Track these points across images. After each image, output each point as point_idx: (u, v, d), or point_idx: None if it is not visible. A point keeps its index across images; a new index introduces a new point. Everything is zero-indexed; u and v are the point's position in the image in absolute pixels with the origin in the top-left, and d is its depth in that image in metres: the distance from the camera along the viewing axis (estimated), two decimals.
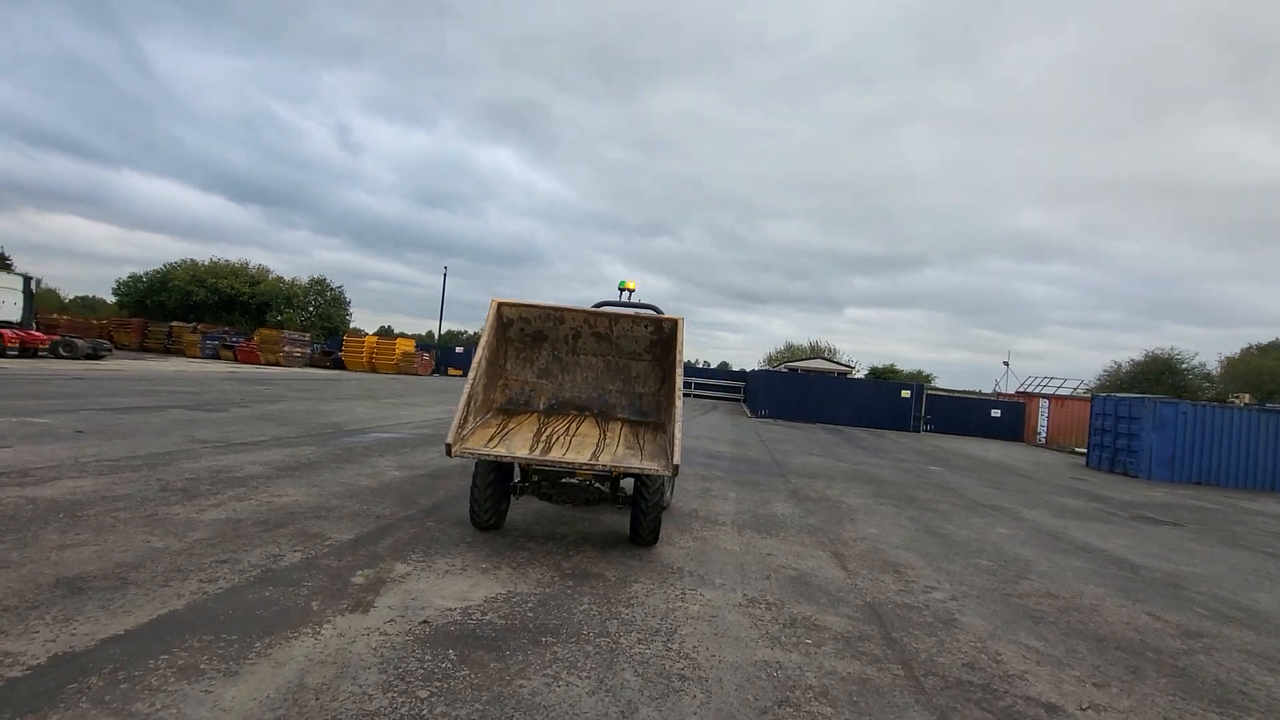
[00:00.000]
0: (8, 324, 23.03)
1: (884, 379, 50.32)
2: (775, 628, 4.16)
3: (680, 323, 6.02)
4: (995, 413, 31.12)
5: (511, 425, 5.77)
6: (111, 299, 44.49)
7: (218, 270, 42.01)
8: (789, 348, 59.83)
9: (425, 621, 3.71)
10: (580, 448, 5.38)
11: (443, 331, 59.32)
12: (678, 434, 5.12)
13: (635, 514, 5.58)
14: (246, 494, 6.22)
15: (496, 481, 5.61)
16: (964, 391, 49.72)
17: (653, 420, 6.32)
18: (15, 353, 22.23)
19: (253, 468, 7.48)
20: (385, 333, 49.93)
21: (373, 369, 38.09)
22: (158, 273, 41.81)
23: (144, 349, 37.61)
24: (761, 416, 29.38)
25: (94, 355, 25.28)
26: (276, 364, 34.53)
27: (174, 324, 38.17)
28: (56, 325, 33.67)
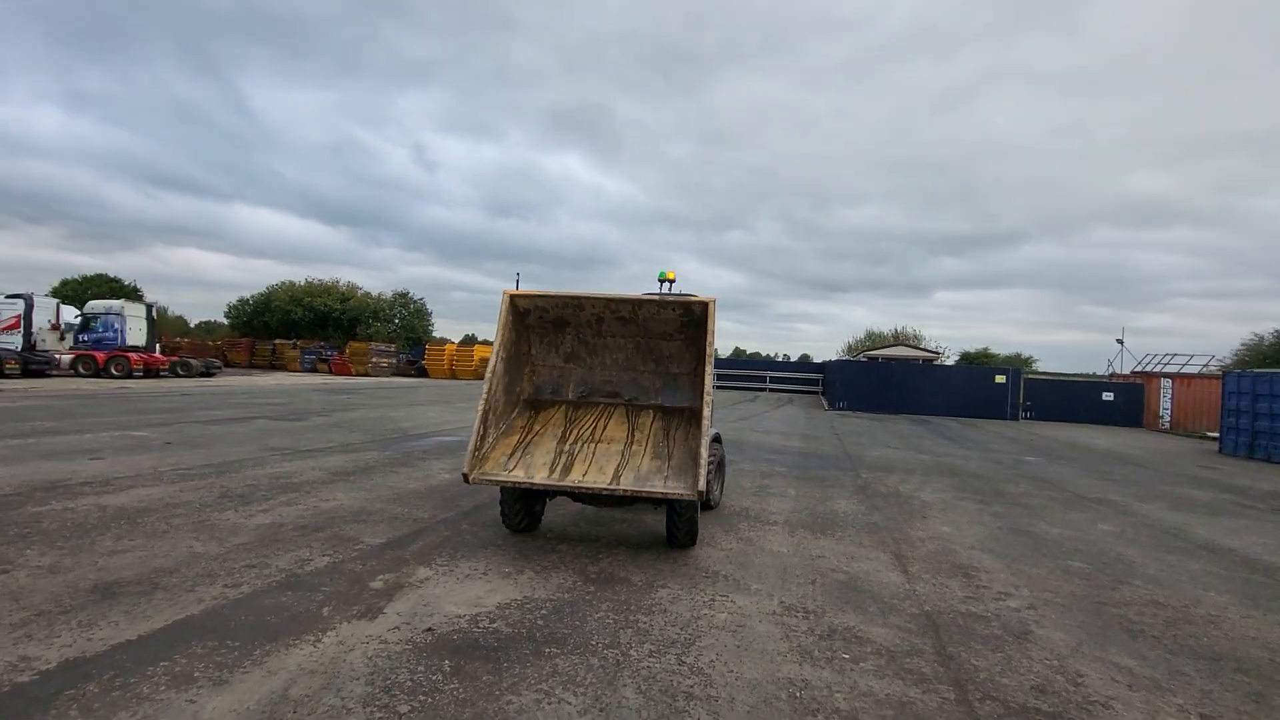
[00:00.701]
0: (135, 348, 25.60)
1: (977, 364, 47.02)
2: (810, 640, 3.74)
3: (711, 305, 5.46)
4: (1107, 396, 28.24)
5: (536, 428, 5.59)
6: (225, 321, 48.90)
7: (312, 290, 45.24)
8: (869, 336, 57.05)
9: (430, 629, 3.58)
10: (603, 460, 5.11)
11: None
12: (704, 452, 4.72)
13: (670, 515, 5.28)
14: (297, 499, 6.42)
15: (524, 490, 5.46)
16: (1072, 375, 45.67)
17: (688, 407, 5.94)
18: (140, 373, 24.68)
19: (312, 473, 7.76)
20: (468, 340, 51.84)
21: (453, 375, 39.63)
22: (261, 295, 45.60)
23: (252, 365, 40.92)
24: (839, 409, 28.10)
25: (206, 373, 27.71)
26: (365, 374, 36.60)
27: (277, 341, 41.35)
28: (179, 348, 37.22)
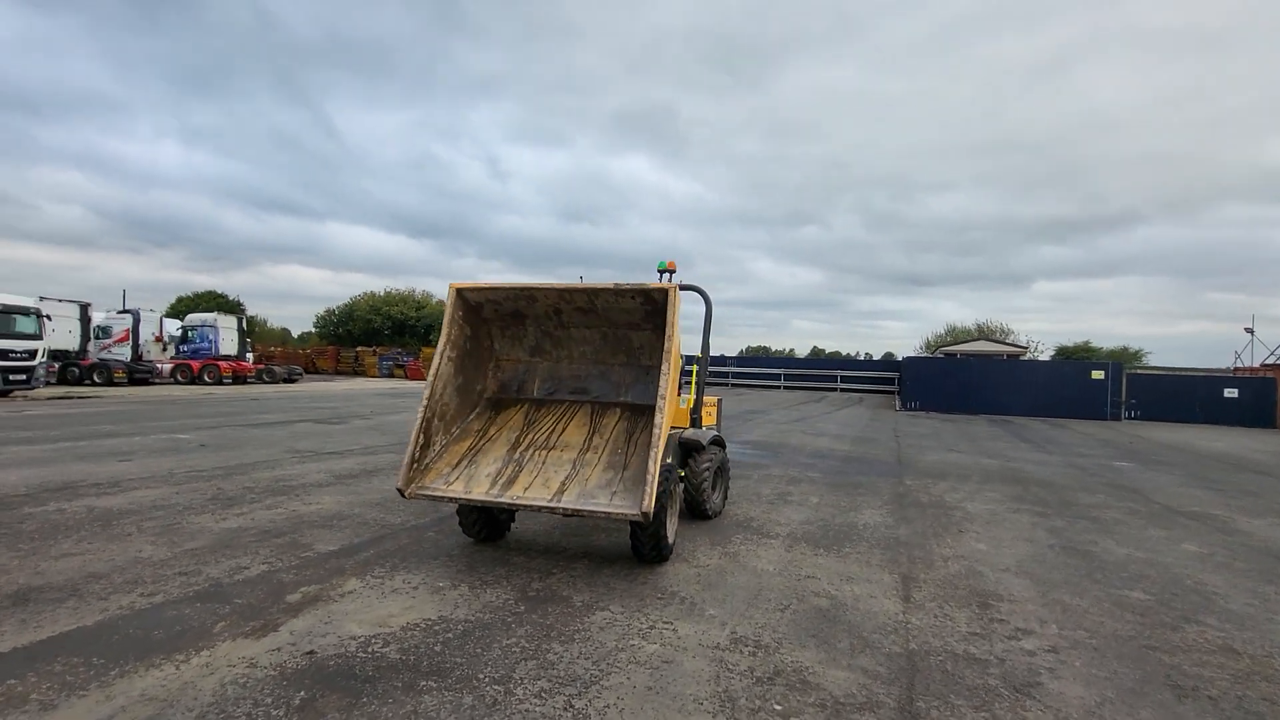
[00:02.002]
0: (226, 357, 27.59)
1: (1074, 359, 42.82)
2: (743, 684, 3.13)
3: (673, 292, 4.82)
4: (1230, 393, 24.79)
5: (491, 432, 5.19)
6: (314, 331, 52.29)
7: (390, 299, 47.55)
8: (950, 331, 53.24)
9: (312, 652, 3.26)
10: (552, 471, 4.64)
11: None
12: (654, 467, 4.13)
13: (632, 529, 4.76)
14: (281, 502, 6.36)
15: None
16: (1189, 369, 40.74)
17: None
18: (229, 380, 26.56)
19: (315, 476, 7.77)
20: None
21: None
22: (345, 306, 48.38)
23: (337, 372, 43.40)
24: (911, 409, 26.25)
25: (288, 379, 29.50)
26: None
27: (359, 349, 43.65)
28: (271, 356, 39.98)
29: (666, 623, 3.82)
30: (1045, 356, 45.99)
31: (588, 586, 4.37)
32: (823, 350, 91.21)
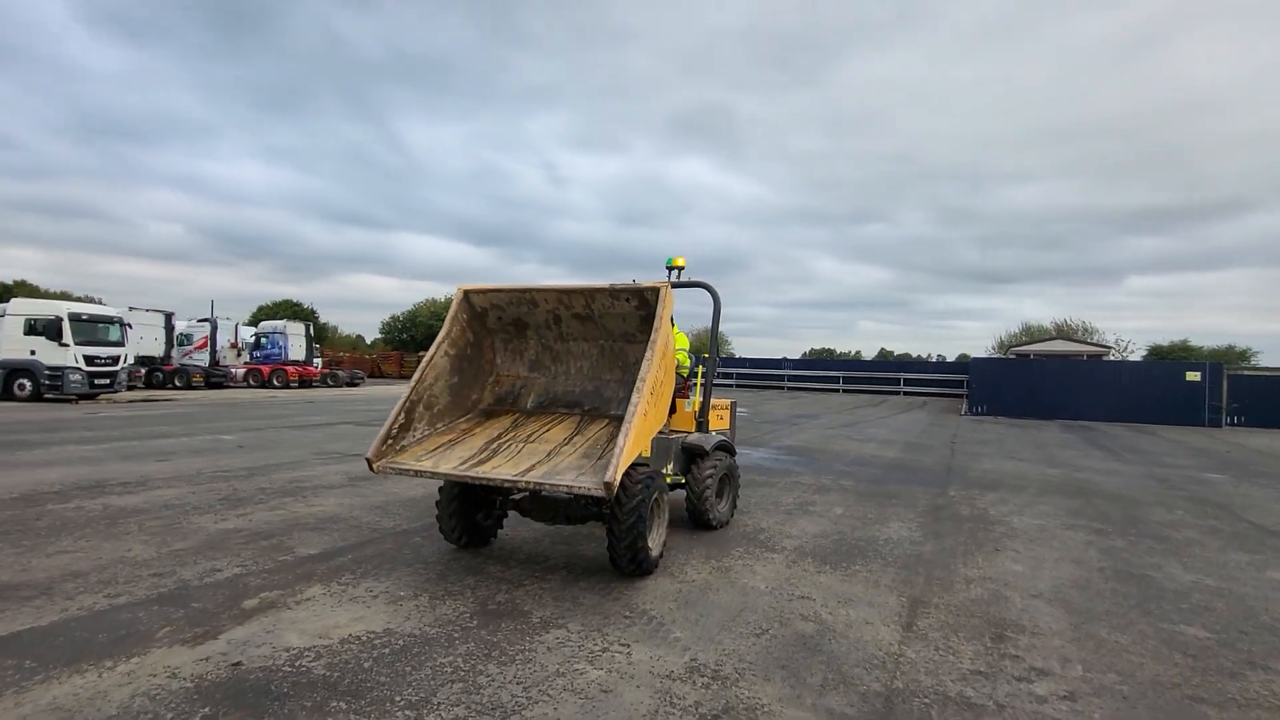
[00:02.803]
0: (294, 362, 29.07)
1: (1168, 359, 39.17)
2: None
3: (665, 290, 4.68)
4: None
5: (476, 430, 5.06)
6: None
7: (449, 305, 49.09)
8: (1025, 330, 49.74)
9: (239, 664, 3.13)
10: (526, 457, 4.47)
11: None
12: (624, 442, 3.91)
13: (608, 535, 4.47)
14: (285, 504, 6.43)
15: (461, 496, 4.94)
16: None
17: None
18: (296, 384, 27.96)
19: (331, 478, 7.87)
20: None
21: None
22: (409, 312, 50.29)
23: (400, 376, 45.05)
24: (977, 414, 24.63)
25: (351, 384, 30.78)
26: None
27: (420, 353, 45.24)
28: (340, 361, 41.90)
29: (623, 645, 3.50)
30: (1136, 357, 42.40)
31: (554, 601, 4.11)
32: (891, 352, 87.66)
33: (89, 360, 17.57)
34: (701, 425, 6.34)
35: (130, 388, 20.88)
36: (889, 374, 39.97)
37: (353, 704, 2.81)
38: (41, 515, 5.71)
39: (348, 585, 4.26)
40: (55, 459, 8.51)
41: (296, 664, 3.15)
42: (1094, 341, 39.64)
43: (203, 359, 27.22)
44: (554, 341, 5.57)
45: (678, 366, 6.52)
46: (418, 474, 4.36)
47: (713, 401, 6.77)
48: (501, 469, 4.25)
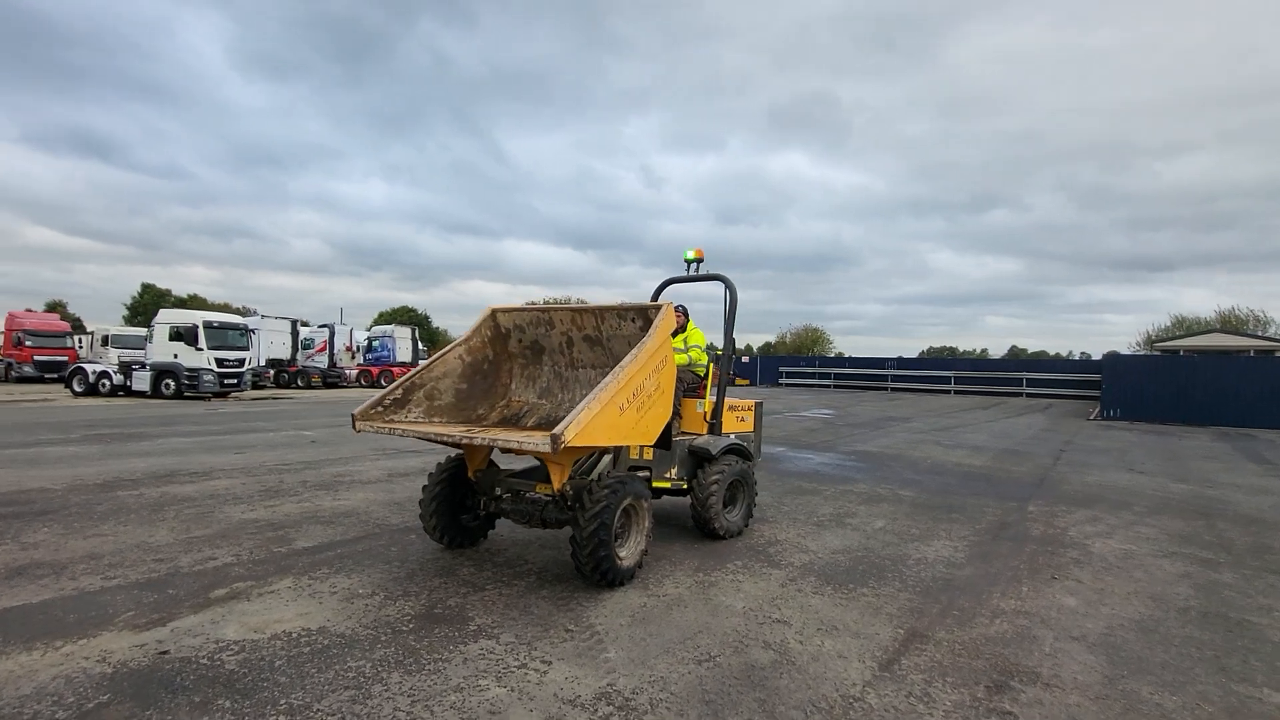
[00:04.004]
0: (401, 363, 31.21)
1: None
2: None
3: (665, 308, 4.70)
4: None
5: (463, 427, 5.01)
6: None
7: (547, 307, 50.94)
8: (1178, 322, 43.03)
9: (165, 652, 3.22)
10: (495, 431, 4.50)
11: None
12: (583, 406, 3.75)
13: (571, 542, 4.23)
14: (313, 497, 6.74)
15: (444, 493, 4.90)
16: None
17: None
18: None
19: (373, 473, 8.21)
20: None
21: None
22: None
23: None
24: (1109, 418, 21.68)
25: None
26: None
27: None
28: None
29: (545, 662, 3.24)
30: None
31: (504, 609, 3.92)
32: (1023, 350, 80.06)
33: (219, 362, 19.79)
34: (714, 427, 5.92)
35: (260, 386, 23.32)
36: (1009, 374, 36.28)
37: (237, 704, 2.77)
38: (106, 501, 6.36)
39: (316, 580, 4.32)
40: (153, 450, 9.55)
41: (215, 657, 3.19)
42: (1266, 335, 33.70)
43: (322, 361, 29.88)
44: (565, 369, 5.57)
45: (692, 365, 6.14)
46: (390, 432, 4.44)
47: (734, 402, 6.32)
48: (501, 436, 4.18)
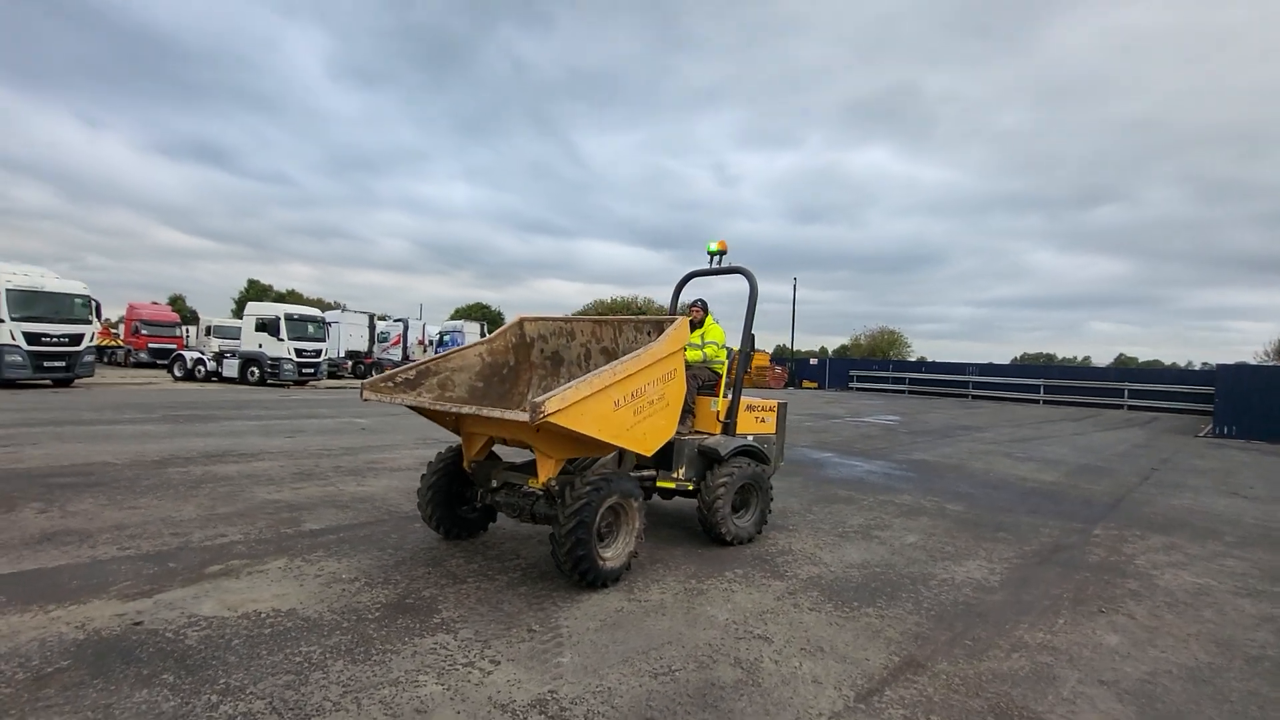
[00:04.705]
0: None
1: None
2: None
3: (680, 322, 4.65)
4: None
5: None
6: None
7: (614, 306, 51.20)
8: None
9: (139, 623, 3.33)
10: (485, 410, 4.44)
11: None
12: (571, 385, 3.69)
13: (550, 539, 4.09)
14: (341, 482, 6.95)
15: (441, 483, 4.88)
16: None
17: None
18: None
19: (405, 460, 8.42)
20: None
21: None
22: (579, 313, 53.43)
23: None
24: (1222, 435, 19.39)
25: None
26: None
27: None
28: None
29: (494, 661, 3.11)
30: None
31: (476, 603, 3.83)
32: (1133, 359, 73.70)
33: (298, 353, 21.09)
34: (728, 427, 5.63)
35: (337, 376, 24.67)
36: (1109, 384, 33.27)
37: (180, 679, 2.81)
38: (154, 476, 6.80)
39: (308, 563, 4.39)
40: (215, 432, 10.21)
41: (181, 632, 3.26)
42: None
43: (396, 354, 31.32)
44: None
45: (707, 362, 5.87)
46: (390, 402, 4.52)
47: (755, 402, 6.01)
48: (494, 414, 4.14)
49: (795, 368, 42.53)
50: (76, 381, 17.59)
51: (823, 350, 62.87)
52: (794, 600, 4.18)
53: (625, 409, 4.10)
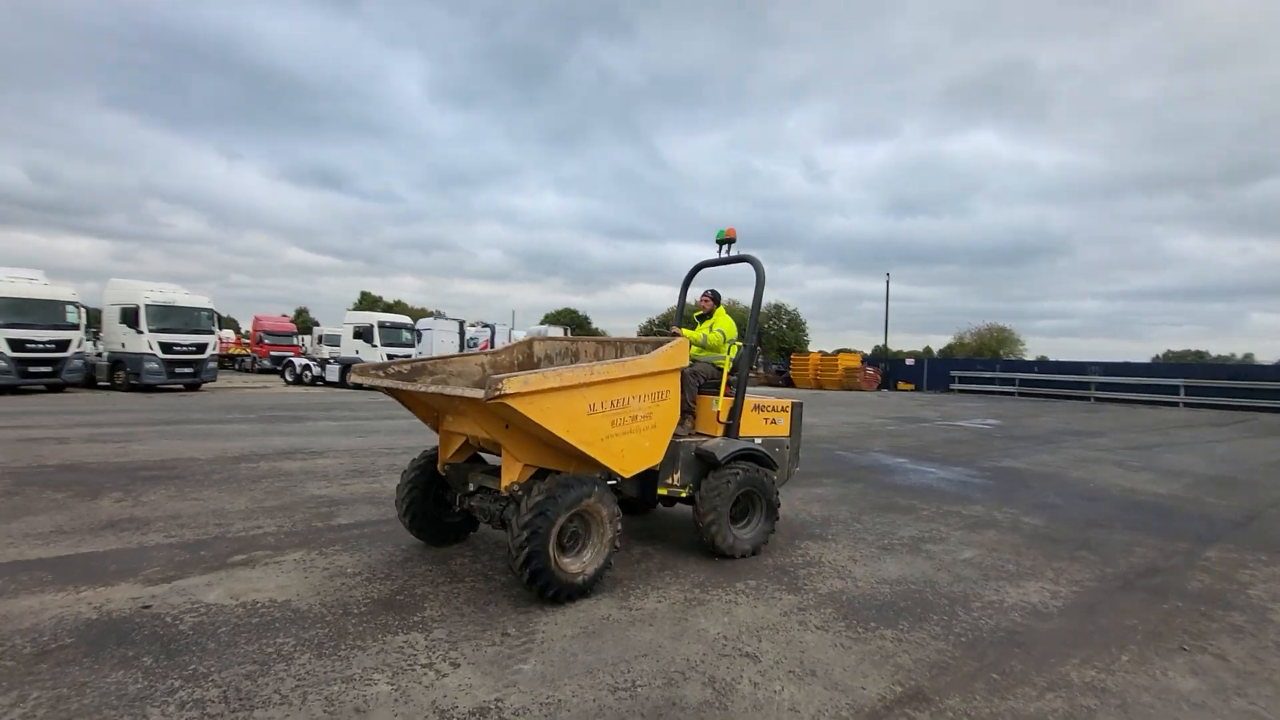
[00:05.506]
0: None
1: None
2: None
3: (679, 342, 4.61)
4: None
5: None
6: None
7: (695, 308, 50.86)
8: None
9: (148, 607, 3.55)
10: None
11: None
12: (541, 372, 3.57)
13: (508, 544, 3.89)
14: (387, 479, 7.21)
15: (415, 483, 4.75)
16: None
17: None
18: None
19: None
20: (834, 353, 49.97)
21: (818, 385, 38.48)
22: (663, 315, 53.56)
23: None
24: None
25: None
26: None
27: None
28: None
29: (454, 664, 3.03)
30: None
31: (463, 605, 3.79)
32: None
33: (389, 358, 22.47)
34: (731, 429, 5.21)
35: None
36: (1265, 384, 28.82)
37: (156, 663, 2.94)
38: (225, 471, 7.38)
39: (323, 556, 4.54)
40: (298, 431, 10.99)
41: (179, 618, 3.44)
42: None
43: None
44: None
45: (715, 358, 5.53)
46: (370, 387, 4.55)
47: (766, 402, 5.59)
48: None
49: (889, 369, 40.25)
50: (202, 386, 19.67)
51: (926, 350, 59.14)
52: (801, 617, 3.81)
53: (602, 416, 3.88)
